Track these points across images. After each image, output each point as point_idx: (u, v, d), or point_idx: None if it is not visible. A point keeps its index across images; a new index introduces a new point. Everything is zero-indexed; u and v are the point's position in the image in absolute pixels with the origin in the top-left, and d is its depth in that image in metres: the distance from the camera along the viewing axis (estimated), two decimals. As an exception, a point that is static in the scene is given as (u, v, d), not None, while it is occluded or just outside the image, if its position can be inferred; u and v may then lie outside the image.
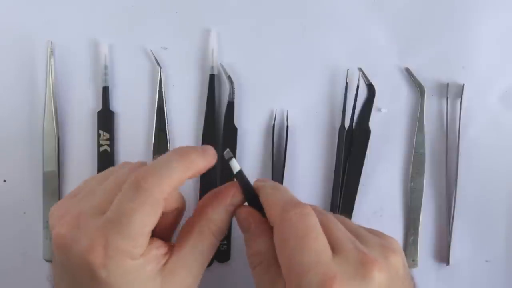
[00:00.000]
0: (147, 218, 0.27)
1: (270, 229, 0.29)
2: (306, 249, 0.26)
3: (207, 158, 0.30)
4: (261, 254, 0.29)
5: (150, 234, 0.28)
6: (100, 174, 0.32)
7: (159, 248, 0.29)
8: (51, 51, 0.41)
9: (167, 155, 0.29)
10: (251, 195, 0.31)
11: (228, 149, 0.30)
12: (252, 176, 0.42)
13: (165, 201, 0.28)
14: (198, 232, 0.30)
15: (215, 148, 0.42)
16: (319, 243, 0.27)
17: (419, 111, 0.42)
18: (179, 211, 0.31)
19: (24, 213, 0.42)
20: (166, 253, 0.29)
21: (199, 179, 0.42)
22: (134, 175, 0.28)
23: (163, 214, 0.28)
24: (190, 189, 0.43)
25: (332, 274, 0.25)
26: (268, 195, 0.31)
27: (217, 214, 0.30)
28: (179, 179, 0.28)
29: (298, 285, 0.26)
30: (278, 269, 0.28)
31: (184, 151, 0.29)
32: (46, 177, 0.42)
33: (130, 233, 0.26)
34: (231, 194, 0.31)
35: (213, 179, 0.42)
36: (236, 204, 0.31)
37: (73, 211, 0.29)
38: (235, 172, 0.31)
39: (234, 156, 0.42)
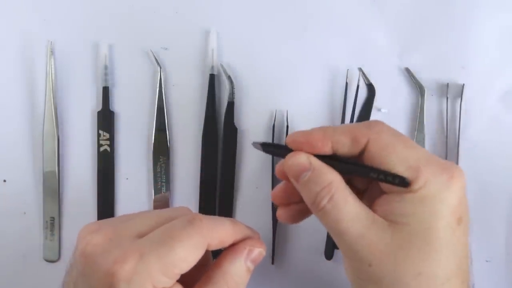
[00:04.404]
0: (189, 252, 0.27)
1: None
2: (415, 147, 0.29)
3: (256, 234, 0.31)
4: (332, 185, 0.28)
5: (181, 273, 0.27)
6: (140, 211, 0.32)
7: None
8: (51, 51, 0.41)
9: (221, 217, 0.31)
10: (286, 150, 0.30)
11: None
12: (251, 176, 0.43)
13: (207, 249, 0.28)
14: (212, 284, 0.29)
15: (215, 148, 0.42)
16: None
17: (419, 111, 0.42)
18: (205, 268, 0.31)
19: (24, 213, 0.42)
20: None
21: (198, 185, 0.42)
22: (190, 213, 0.29)
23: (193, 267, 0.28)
24: (190, 194, 0.43)
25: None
26: (332, 127, 0.30)
27: (232, 267, 0.29)
28: (227, 234, 0.29)
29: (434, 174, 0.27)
30: (349, 193, 0.28)
31: (237, 221, 0.31)
32: (46, 177, 0.42)
33: (168, 259, 0.26)
34: (247, 248, 0.30)
35: (212, 185, 0.42)
36: (253, 259, 0.30)
37: (108, 228, 0.28)
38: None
39: (235, 154, 0.42)
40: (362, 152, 0.29)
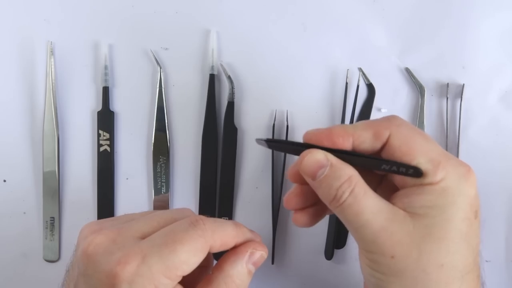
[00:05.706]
0: (191, 255, 0.27)
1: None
2: (433, 141, 0.29)
3: (258, 237, 0.31)
4: (351, 178, 0.28)
5: (183, 275, 0.27)
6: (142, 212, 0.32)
7: None
8: (51, 51, 0.41)
9: (223, 220, 0.30)
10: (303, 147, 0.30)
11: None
12: (251, 176, 0.43)
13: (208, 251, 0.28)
14: (214, 286, 0.29)
15: (215, 148, 0.42)
16: None
17: (419, 111, 0.42)
18: (207, 269, 0.31)
19: (24, 213, 0.43)
20: None
21: (198, 185, 0.42)
22: (193, 215, 0.29)
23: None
24: (190, 194, 0.43)
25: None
26: (351, 125, 0.30)
27: (234, 270, 0.29)
28: (229, 237, 0.29)
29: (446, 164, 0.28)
30: (368, 186, 0.28)
31: (239, 224, 0.31)
32: (46, 177, 0.42)
33: (170, 261, 0.26)
34: (248, 251, 0.30)
35: (212, 185, 0.42)
36: (254, 262, 0.30)
37: (110, 228, 0.28)
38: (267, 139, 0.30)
39: (235, 154, 0.42)
40: (382, 147, 0.29)
